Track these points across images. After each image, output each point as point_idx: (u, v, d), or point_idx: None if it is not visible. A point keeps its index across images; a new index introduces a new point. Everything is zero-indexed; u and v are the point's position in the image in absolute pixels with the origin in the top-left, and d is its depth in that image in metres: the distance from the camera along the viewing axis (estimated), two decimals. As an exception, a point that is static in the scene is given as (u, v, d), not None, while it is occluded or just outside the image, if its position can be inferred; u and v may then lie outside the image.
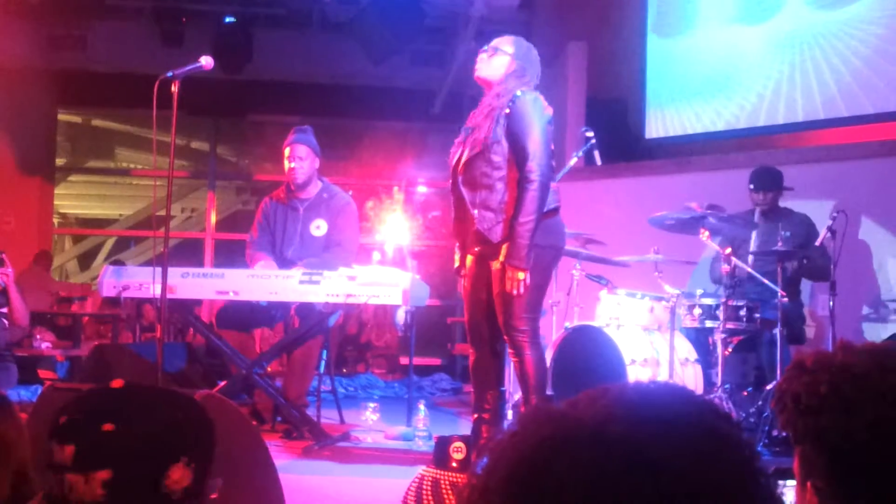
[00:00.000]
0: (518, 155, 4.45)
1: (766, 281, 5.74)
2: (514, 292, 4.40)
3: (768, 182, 6.33)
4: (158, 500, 1.27)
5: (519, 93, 4.52)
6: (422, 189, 11.59)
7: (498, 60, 4.66)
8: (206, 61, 5.02)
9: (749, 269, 5.89)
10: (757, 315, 5.78)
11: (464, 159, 4.59)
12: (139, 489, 1.28)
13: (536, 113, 4.49)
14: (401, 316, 6.64)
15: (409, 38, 10.08)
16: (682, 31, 8.72)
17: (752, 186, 6.37)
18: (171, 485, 1.28)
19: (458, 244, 4.81)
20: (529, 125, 4.46)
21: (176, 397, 1.42)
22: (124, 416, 1.34)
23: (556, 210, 4.59)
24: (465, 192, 4.60)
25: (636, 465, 0.81)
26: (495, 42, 4.71)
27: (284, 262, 6.00)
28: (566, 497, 0.80)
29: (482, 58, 4.71)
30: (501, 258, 4.43)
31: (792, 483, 1.50)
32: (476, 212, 4.55)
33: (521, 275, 4.39)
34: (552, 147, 4.61)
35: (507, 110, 4.49)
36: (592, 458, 0.81)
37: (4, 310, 6.29)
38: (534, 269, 4.45)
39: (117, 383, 1.40)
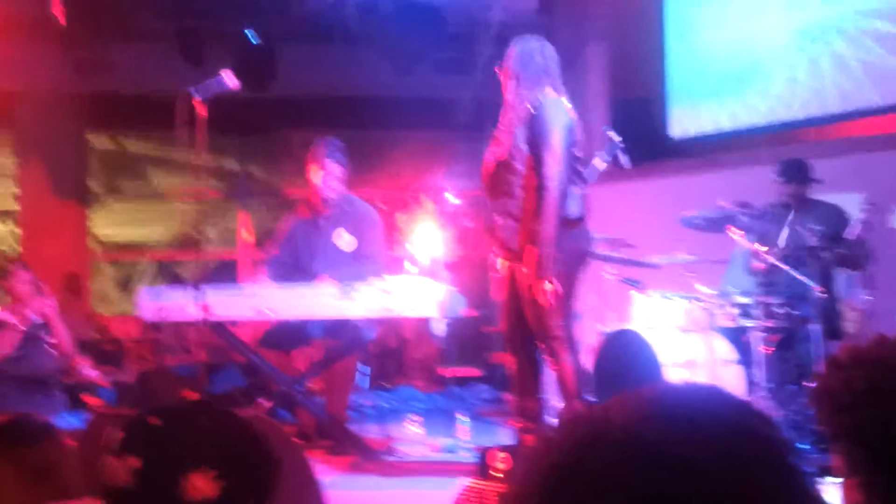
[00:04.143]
0: (536, 161, 4.48)
1: (800, 276, 5.72)
2: (546, 303, 4.43)
3: (795, 173, 6.30)
4: (174, 501, 1.33)
5: (540, 97, 4.54)
6: (452, 198, 11.61)
7: (504, 75, 4.73)
8: (228, 76, 5.06)
9: (782, 266, 5.87)
10: (793, 311, 5.75)
11: (488, 168, 4.65)
12: (158, 484, 1.33)
13: (557, 119, 4.51)
14: (438, 327, 6.66)
15: (432, 46, 10.12)
16: (702, 26, 8.71)
17: (779, 179, 6.34)
18: (191, 490, 1.33)
19: (494, 251, 4.85)
20: (548, 132, 4.48)
21: (228, 414, 1.47)
22: (172, 416, 1.43)
23: (581, 219, 4.59)
24: (489, 199, 4.66)
25: (669, 465, 0.80)
26: None
27: (313, 278, 6.02)
28: (600, 499, 0.80)
29: None
30: (525, 267, 4.47)
31: (838, 480, 1.50)
32: (500, 219, 4.61)
33: (547, 285, 4.40)
34: (579, 153, 4.61)
35: (530, 115, 4.51)
36: (625, 460, 0.81)
37: (49, 338, 6.39)
38: (560, 276, 4.47)
39: (191, 395, 1.48)
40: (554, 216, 4.41)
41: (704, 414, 0.86)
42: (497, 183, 4.62)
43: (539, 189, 4.45)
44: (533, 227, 4.45)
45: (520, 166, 4.54)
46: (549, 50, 4.74)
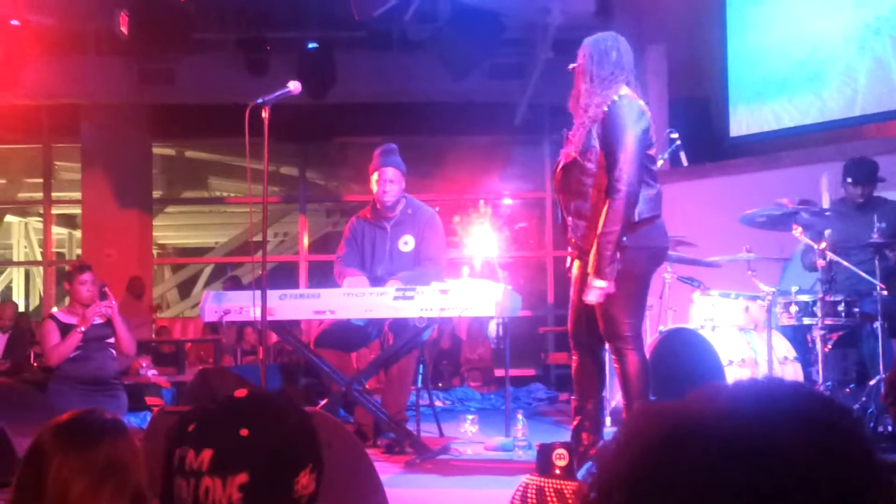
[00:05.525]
0: (609, 161, 4.37)
1: (863, 274, 5.62)
2: (594, 302, 4.38)
3: (866, 175, 6.18)
4: (288, 501, 1.30)
5: (615, 97, 4.42)
6: (507, 201, 11.62)
7: (577, 74, 4.59)
8: (294, 86, 5.12)
9: (845, 263, 5.78)
10: (856, 309, 5.66)
11: (560, 166, 4.60)
12: (274, 493, 1.31)
13: (631, 119, 4.38)
14: (492, 329, 6.65)
15: (488, 52, 10.11)
16: (762, 25, 8.62)
17: (849, 180, 6.22)
18: (301, 490, 1.30)
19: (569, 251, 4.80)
20: (622, 132, 4.36)
21: (296, 407, 1.46)
22: (258, 422, 1.37)
23: (653, 218, 4.50)
24: (560, 199, 4.61)
25: (758, 459, 0.81)
26: None
27: (375, 280, 6.06)
28: (690, 493, 0.81)
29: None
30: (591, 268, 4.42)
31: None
32: (570, 220, 4.54)
33: (601, 284, 4.33)
34: (652, 153, 4.54)
35: (604, 114, 4.40)
36: (714, 453, 0.81)
37: (111, 340, 6.50)
38: (629, 274, 4.39)
39: (241, 393, 1.43)
40: (620, 220, 4.29)
41: (790, 409, 0.86)
42: (569, 183, 4.52)
43: (609, 191, 4.35)
44: (598, 231, 4.37)
45: (592, 166, 4.42)
46: (624, 45, 4.58)
